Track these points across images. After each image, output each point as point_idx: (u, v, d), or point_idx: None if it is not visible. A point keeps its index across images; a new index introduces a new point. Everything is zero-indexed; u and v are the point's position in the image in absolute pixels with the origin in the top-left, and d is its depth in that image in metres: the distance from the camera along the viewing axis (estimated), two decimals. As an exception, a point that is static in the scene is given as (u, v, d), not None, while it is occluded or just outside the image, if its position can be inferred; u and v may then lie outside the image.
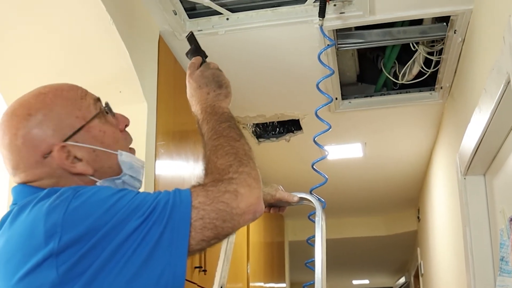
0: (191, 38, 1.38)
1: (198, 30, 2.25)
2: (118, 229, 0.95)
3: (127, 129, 1.21)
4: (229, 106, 1.25)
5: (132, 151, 1.19)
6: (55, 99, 1.11)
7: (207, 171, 1.09)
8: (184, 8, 2.21)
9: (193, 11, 2.26)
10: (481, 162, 2.29)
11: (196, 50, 1.36)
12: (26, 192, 1.08)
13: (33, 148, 1.07)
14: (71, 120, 1.10)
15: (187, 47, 1.37)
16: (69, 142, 1.08)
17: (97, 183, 1.11)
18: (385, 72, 2.78)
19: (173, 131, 2.34)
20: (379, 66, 2.82)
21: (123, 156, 1.14)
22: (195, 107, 1.24)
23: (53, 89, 1.13)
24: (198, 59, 1.33)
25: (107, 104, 1.18)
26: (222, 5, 2.21)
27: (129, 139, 1.20)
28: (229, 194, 1.01)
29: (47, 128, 1.08)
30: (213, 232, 1.00)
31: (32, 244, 0.94)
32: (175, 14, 2.17)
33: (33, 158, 1.07)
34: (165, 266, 0.96)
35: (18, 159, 1.08)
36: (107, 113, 1.16)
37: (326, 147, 1.96)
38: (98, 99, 1.17)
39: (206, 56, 1.35)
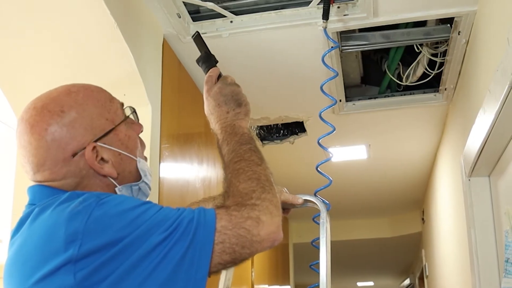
0: (198, 39, 1.34)
1: (202, 33, 2.24)
2: (140, 242, 0.94)
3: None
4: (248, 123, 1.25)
5: (145, 158, 1.20)
6: (87, 99, 1.12)
7: (229, 193, 1.09)
8: (188, 11, 2.21)
9: (197, 14, 2.26)
10: (486, 164, 2.28)
11: (207, 57, 1.32)
12: (45, 193, 1.07)
13: (64, 145, 1.07)
14: (102, 121, 1.11)
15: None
16: (98, 143, 1.09)
17: (117, 188, 1.11)
18: (389, 74, 2.78)
19: (177, 134, 2.35)
20: (383, 67, 2.82)
21: (141, 163, 1.16)
22: (214, 125, 1.24)
23: (82, 88, 1.14)
24: (215, 71, 1.30)
25: (134, 110, 1.20)
26: (226, 8, 2.21)
27: (144, 146, 1.21)
28: (251, 220, 1.01)
29: (80, 126, 1.08)
30: (231, 257, 1.00)
31: (51, 248, 0.94)
32: (179, 17, 2.18)
33: (62, 155, 1.07)
34: (185, 287, 0.96)
35: (45, 155, 1.07)
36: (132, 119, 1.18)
37: (330, 149, 1.96)
38: (123, 104, 1.19)
39: (217, 61, 1.32)
